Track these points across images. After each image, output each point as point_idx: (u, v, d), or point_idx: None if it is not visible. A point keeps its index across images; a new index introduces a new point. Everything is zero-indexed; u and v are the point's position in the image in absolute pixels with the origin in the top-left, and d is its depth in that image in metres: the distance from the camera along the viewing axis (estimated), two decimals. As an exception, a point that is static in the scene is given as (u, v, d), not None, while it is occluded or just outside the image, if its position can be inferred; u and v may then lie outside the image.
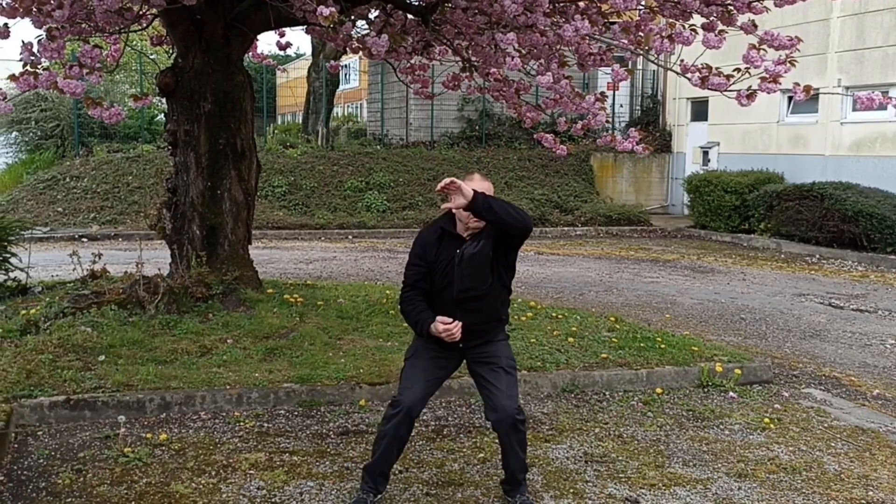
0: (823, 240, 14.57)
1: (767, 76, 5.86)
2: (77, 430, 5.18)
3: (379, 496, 4.24)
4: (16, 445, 4.93)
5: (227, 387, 5.68)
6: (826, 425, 5.69)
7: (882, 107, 6.09)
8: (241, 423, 5.37)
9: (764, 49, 5.80)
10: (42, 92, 19.11)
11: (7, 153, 20.36)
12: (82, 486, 4.38)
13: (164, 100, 8.25)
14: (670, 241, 16.85)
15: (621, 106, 22.11)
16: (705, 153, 19.28)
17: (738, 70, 5.92)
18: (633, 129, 7.34)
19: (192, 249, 7.63)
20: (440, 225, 4.28)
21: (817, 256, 14.19)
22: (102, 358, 6.00)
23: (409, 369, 4.25)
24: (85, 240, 14.75)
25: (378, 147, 20.78)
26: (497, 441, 4.27)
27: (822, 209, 14.56)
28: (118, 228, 15.78)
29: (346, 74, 36.46)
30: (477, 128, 21.43)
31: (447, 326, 4.05)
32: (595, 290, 10.66)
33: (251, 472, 4.62)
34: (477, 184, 4.04)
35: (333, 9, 5.09)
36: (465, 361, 4.35)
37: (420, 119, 21.67)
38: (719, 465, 4.90)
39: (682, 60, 6.26)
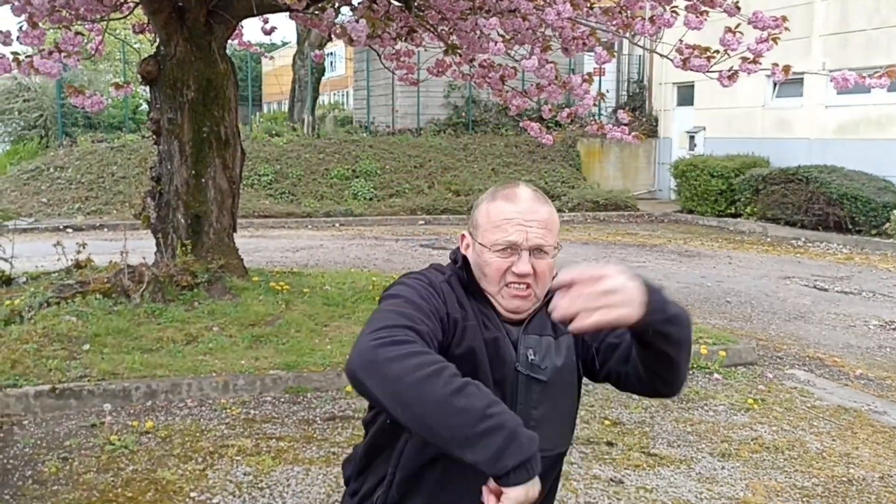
0: (809, 223, 14.64)
1: (750, 55, 5.87)
2: (63, 419, 5.17)
3: None
4: (1, 435, 4.92)
5: (214, 374, 5.68)
6: (809, 405, 5.73)
7: (865, 89, 6.12)
8: (228, 410, 5.37)
9: (741, 32, 5.81)
10: (25, 82, 19.02)
11: (-10, 144, 20.25)
12: (69, 473, 4.38)
13: (147, 88, 8.21)
14: (657, 225, 16.90)
15: (607, 91, 22.04)
16: (691, 138, 19.32)
17: (718, 52, 5.94)
18: (621, 111, 7.32)
19: (177, 238, 7.61)
20: (453, 275, 1.96)
21: (803, 239, 14.26)
22: (87, 347, 5.99)
23: None
24: (70, 230, 14.67)
25: (364, 134, 20.73)
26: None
27: (808, 192, 14.62)
28: (103, 219, 15.70)
29: (331, 62, 36.34)
30: (463, 114, 21.40)
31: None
32: (582, 275, 10.68)
33: (238, 458, 4.63)
34: (533, 206, 1.89)
35: (312, -7, 5.07)
36: None
37: (406, 106, 21.61)
38: (703, 446, 4.94)
39: (666, 43, 6.28)
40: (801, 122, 16.70)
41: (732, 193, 16.60)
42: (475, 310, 1.89)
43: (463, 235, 1.98)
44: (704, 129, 19.11)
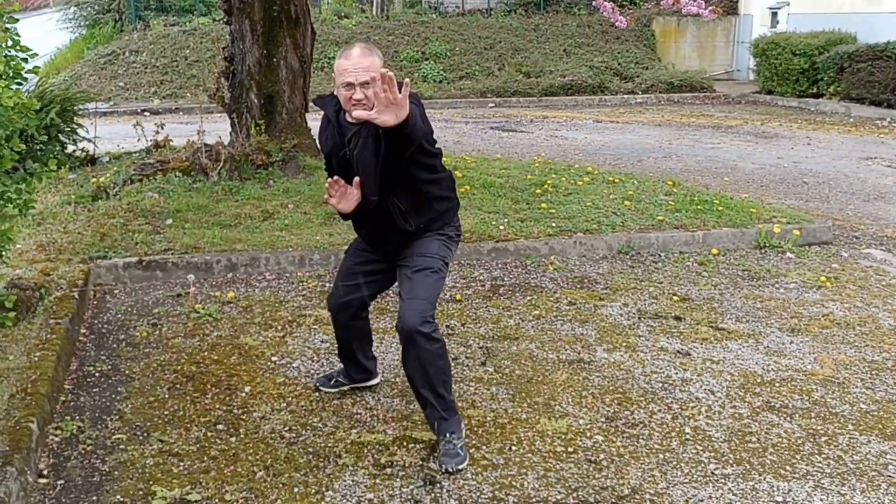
0: None
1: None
2: (150, 289, 5.45)
3: (349, 381, 4.04)
4: (95, 302, 5.23)
5: (290, 249, 5.87)
6: (884, 283, 5.66)
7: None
8: (305, 283, 5.57)
9: None
10: (96, -35, 19.05)
11: (67, 28, 20.49)
12: (158, 337, 4.65)
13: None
14: (734, 107, 16.41)
15: (686, -34, 21.11)
16: (774, 14, 18.45)
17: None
18: (696, -15, 7.05)
19: (251, 118, 7.73)
20: (329, 105, 3.45)
21: (888, 119, 13.69)
22: (170, 222, 6.23)
23: (341, 267, 3.84)
24: (147, 114, 14.97)
25: (434, 16, 20.36)
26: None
27: (896, 70, 13.95)
28: (178, 102, 15.95)
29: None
30: (535, -7, 20.78)
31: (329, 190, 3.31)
32: (654, 157, 10.54)
33: (315, 326, 4.84)
34: (359, 60, 3.17)
35: None
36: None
37: (476, -15, 21.07)
38: (772, 321, 4.95)
39: None
40: (893, -5, 15.77)
41: (815, 72, 15.93)
42: (335, 122, 3.38)
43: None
44: (788, 4, 18.21)
